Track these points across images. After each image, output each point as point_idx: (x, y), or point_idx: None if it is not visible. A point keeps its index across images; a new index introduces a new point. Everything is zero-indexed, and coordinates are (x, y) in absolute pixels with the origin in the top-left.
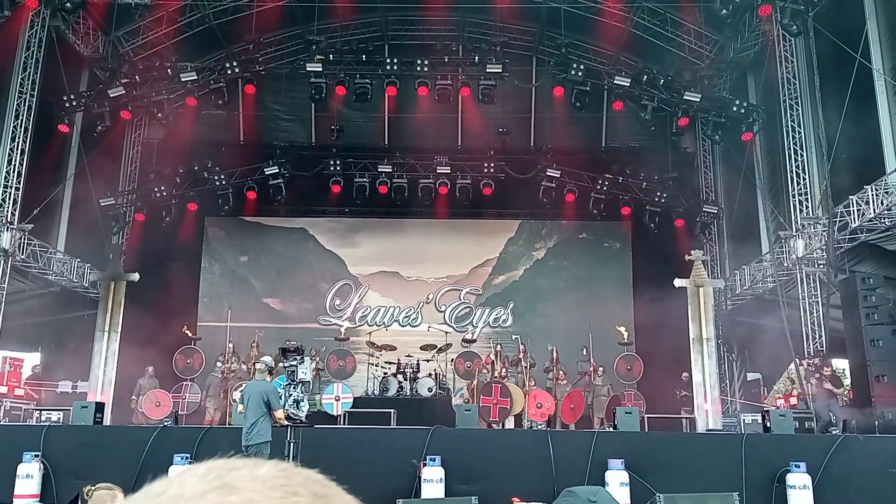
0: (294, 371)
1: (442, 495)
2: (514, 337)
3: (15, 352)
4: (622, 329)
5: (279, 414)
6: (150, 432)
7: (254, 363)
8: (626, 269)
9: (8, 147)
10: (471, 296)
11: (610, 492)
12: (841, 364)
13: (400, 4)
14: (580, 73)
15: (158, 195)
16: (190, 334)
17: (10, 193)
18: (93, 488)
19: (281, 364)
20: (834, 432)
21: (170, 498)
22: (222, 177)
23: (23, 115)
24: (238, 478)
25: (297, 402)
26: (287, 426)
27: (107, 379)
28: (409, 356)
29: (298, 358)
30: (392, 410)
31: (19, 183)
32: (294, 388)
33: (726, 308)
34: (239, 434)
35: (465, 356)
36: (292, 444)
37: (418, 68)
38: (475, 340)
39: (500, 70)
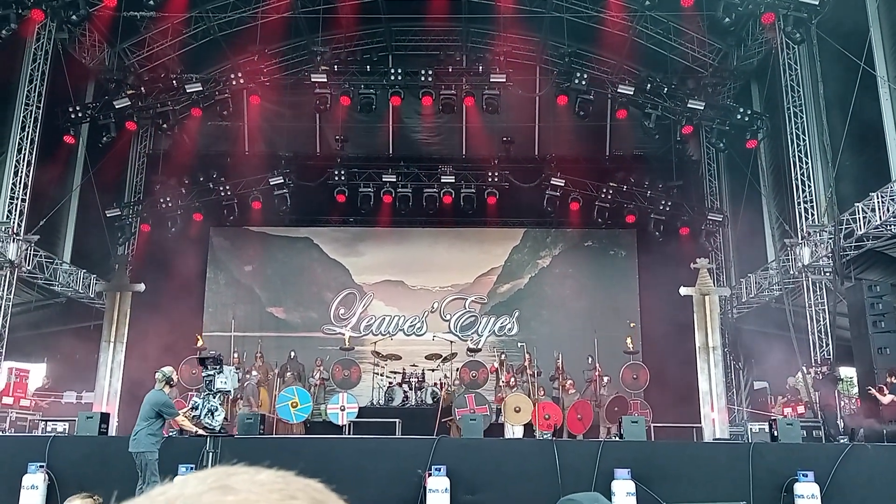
0: (211, 381)
1: None
2: (519, 344)
3: (21, 363)
4: (628, 340)
5: (179, 419)
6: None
7: (155, 373)
8: (631, 276)
9: (14, 159)
10: (476, 304)
11: (607, 500)
12: (848, 372)
13: (403, 15)
14: (584, 82)
15: (164, 206)
16: (200, 343)
17: (16, 205)
18: (70, 499)
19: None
20: None
21: (169, 497)
22: (227, 187)
23: (29, 127)
24: (237, 481)
25: (211, 412)
26: (203, 436)
27: (112, 389)
28: (414, 366)
29: (217, 368)
30: (397, 420)
31: (25, 194)
32: (212, 397)
33: (732, 316)
34: (248, 444)
35: (470, 365)
36: (210, 453)
37: (422, 78)
38: (480, 350)
39: (504, 79)
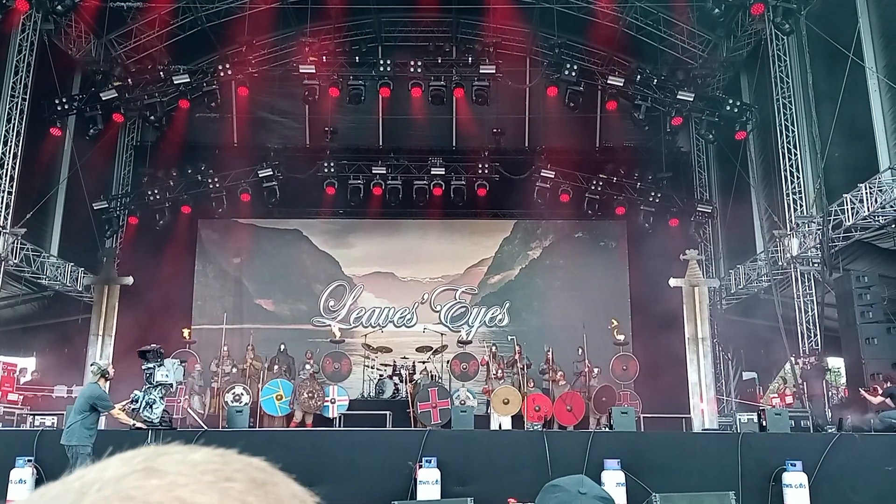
0: (151, 374)
1: (438, 497)
2: (509, 338)
3: (9, 356)
4: (615, 325)
5: (114, 413)
6: (143, 436)
7: (91, 364)
8: (621, 268)
9: (0, 151)
10: (466, 295)
11: (592, 481)
12: (836, 362)
13: (393, 6)
14: (573, 74)
15: (152, 198)
16: (187, 338)
17: (2, 197)
18: None
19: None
20: None
21: (87, 482)
22: (216, 179)
23: (15, 119)
24: (166, 462)
25: (149, 405)
26: (144, 429)
27: None
28: (404, 358)
29: (157, 361)
30: (388, 412)
31: (12, 187)
32: (153, 390)
33: (721, 307)
34: (234, 437)
35: (460, 357)
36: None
37: (412, 69)
38: (470, 341)
39: (494, 71)
